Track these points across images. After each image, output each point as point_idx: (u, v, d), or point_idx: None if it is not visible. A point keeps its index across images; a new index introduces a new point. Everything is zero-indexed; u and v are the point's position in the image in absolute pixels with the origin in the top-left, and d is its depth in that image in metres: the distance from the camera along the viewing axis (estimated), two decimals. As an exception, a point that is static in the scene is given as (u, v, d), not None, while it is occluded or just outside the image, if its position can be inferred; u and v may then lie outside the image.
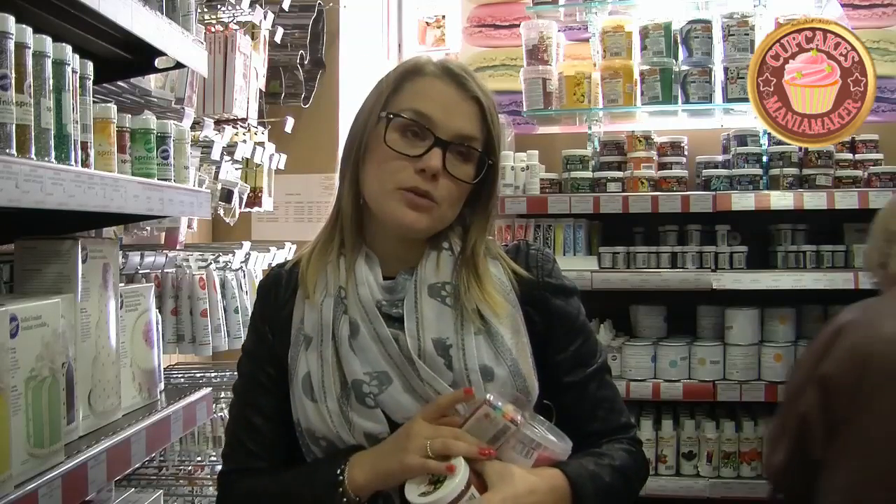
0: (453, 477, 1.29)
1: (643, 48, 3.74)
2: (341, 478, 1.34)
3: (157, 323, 2.08)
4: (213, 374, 2.92)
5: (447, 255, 1.48)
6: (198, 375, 2.83)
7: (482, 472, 1.32)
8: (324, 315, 1.44)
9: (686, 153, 3.79)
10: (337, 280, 1.46)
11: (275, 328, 1.51)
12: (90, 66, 1.63)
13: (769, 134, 3.60)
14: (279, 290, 1.53)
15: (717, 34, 3.72)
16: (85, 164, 1.58)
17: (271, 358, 1.50)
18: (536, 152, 3.81)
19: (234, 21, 3.06)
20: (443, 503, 1.27)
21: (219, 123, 3.00)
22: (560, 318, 1.51)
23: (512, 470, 1.33)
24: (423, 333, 1.41)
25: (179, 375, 2.73)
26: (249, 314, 2.81)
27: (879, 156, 3.66)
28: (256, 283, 3.06)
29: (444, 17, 4.45)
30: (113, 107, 1.74)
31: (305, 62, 3.81)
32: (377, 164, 1.44)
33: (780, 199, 3.43)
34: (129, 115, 1.84)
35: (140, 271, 2.35)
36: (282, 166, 3.63)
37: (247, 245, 3.02)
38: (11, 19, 1.31)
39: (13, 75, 1.31)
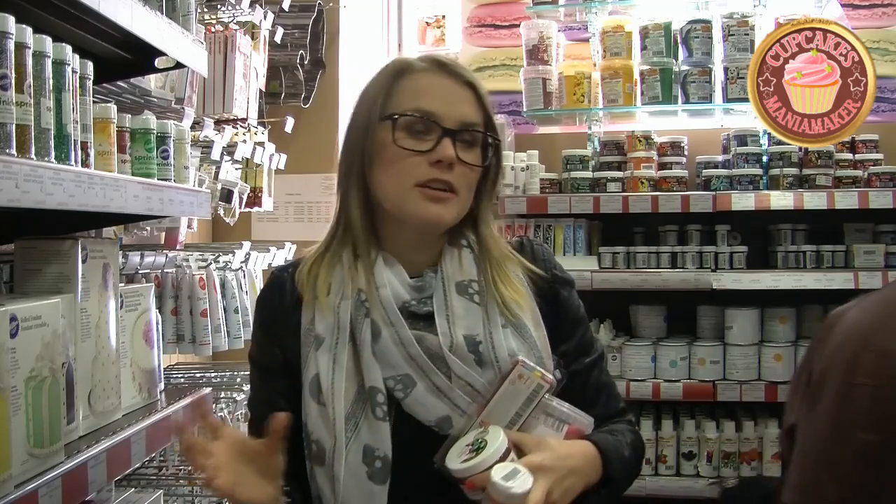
0: (493, 442, 1.31)
1: (643, 48, 3.74)
2: None
3: (157, 323, 2.08)
4: (213, 374, 2.92)
5: (468, 253, 1.50)
6: (198, 375, 2.83)
7: (519, 444, 1.35)
8: (341, 318, 1.42)
9: (686, 153, 3.79)
10: (355, 283, 1.45)
11: (283, 335, 1.49)
12: (90, 66, 1.63)
13: (769, 134, 3.60)
14: (284, 294, 1.51)
15: (717, 34, 3.72)
16: (85, 164, 1.58)
17: (276, 365, 1.49)
18: (536, 152, 3.81)
19: (234, 21, 3.06)
20: (484, 466, 1.29)
21: (219, 123, 3.00)
22: (566, 310, 1.55)
23: (547, 439, 1.38)
24: (455, 329, 1.42)
25: (179, 375, 2.73)
26: (250, 314, 2.86)
27: (879, 156, 3.66)
28: (256, 283, 3.06)
29: (444, 17, 4.45)
30: (113, 107, 1.74)
31: (305, 62, 3.81)
32: (389, 167, 1.44)
33: (780, 199, 3.43)
34: (129, 115, 1.84)
35: (140, 271, 2.35)
36: (282, 166, 3.63)
37: (247, 245, 3.02)
38: (11, 19, 1.31)
39: (13, 75, 1.31)
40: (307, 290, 1.48)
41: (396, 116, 1.44)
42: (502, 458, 1.30)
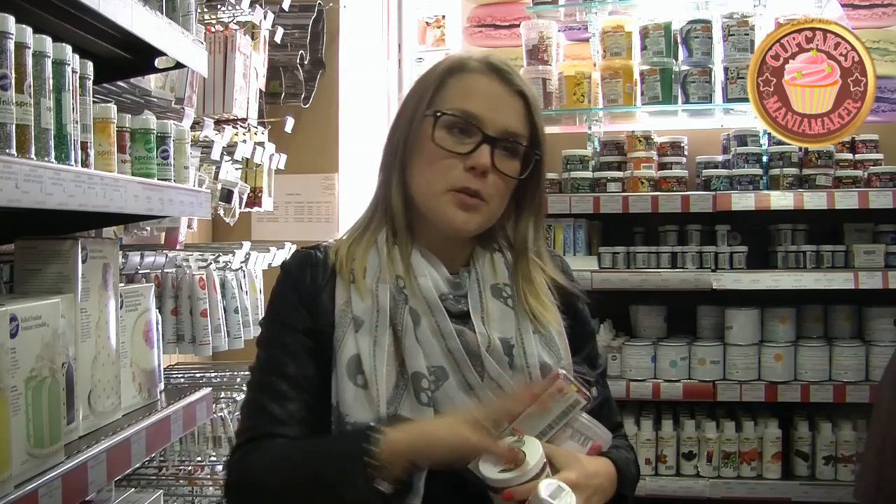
0: (532, 455, 1.31)
1: (643, 48, 3.74)
2: (375, 434, 1.28)
3: (157, 323, 2.08)
4: (213, 374, 2.92)
5: (500, 257, 1.51)
6: (198, 375, 2.84)
7: (550, 457, 1.36)
8: (380, 301, 1.41)
9: (686, 153, 3.79)
10: (392, 268, 1.44)
11: (313, 305, 1.45)
12: (90, 66, 1.63)
13: (769, 134, 3.60)
14: (316, 270, 1.48)
15: (717, 34, 3.72)
16: (85, 164, 1.58)
17: (305, 328, 1.44)
18: (536, 152, 3.80)
19: (234, 21, 3.06)
20: (524, 478, 1.29)
21: (219, 123, 3.00)
22: (581, 322, 1.58)
23: (577, 455, 1.40)
24: (490, 331, 1.43)
25: (179, 375, 2.74)
26: (250, 314, 2.86)
27: (879, 156, 3.66)
28: (256, 283, 3.06)
29: (444, 17, 4.45)
30: (113, 107, 1.74)
31: (305, 62, 3.81)
32: (425, 164, 1.45)
33: (780, 199, 3.43)
34: (129, 115, 1.84)
35: (140, 271, 2.35)
36: (282, 166, 3.63)
37: (247, 245, 3.02)
38: (11, 19, 1.31)
39: (13, 75, 1.31)
40: (345, 271, 1.45)
41: (440, 114, 1.43)
42: (538, 475, 1.30)
